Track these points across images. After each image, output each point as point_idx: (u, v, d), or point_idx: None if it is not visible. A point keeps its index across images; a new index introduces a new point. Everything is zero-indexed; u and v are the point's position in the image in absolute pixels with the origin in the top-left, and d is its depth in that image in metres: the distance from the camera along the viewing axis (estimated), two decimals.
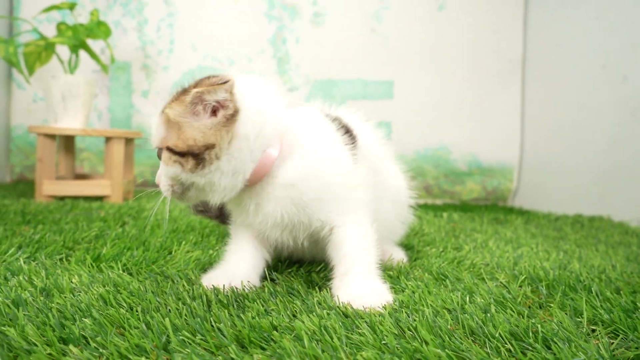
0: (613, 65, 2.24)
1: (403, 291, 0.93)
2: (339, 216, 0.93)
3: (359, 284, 0.88)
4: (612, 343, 0.73)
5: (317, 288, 0.94)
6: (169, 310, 0.76)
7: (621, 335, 0.76)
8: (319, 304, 0.85)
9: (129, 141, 2.29)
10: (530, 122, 2.80)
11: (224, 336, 0.68)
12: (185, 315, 0.74)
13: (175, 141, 0.82)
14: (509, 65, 2.80)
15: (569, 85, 2.50)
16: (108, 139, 2.12)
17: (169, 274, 0.97)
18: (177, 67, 2.73)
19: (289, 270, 1.06)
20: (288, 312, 0.80)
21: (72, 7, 2.17)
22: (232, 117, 0.82)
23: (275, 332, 0.71)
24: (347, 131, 1.00)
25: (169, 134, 0.83)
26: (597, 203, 2.25)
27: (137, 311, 0.74)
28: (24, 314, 0.69)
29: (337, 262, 0.91)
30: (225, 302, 0.82)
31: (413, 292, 0.92)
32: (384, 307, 0.83)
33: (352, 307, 0.82)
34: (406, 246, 1.35)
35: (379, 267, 0.93)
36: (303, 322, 0.74)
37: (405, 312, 0.81)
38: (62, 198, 2.06)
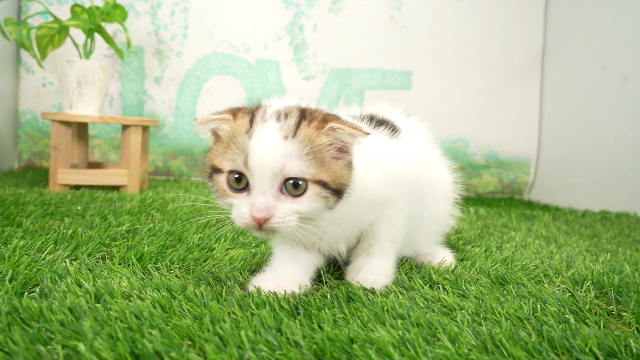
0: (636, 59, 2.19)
1: (466, 297, 0.89)
2: (381, 211, 0.96)
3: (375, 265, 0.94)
4: None
5: (376, 293, 0.89)
6: (237, 320, 0.72)
7: None
8: (387, 311, 0.80)
9: (144, 129, 2.23)
10: (549, 115, 2.76)
11: (304, 351, 0.64)
12: (256, 326, 0.69)
13: (325, 176, 0.79)
14: (528, 58, 2.75)
15: (590, 81, 2.45)
16: (125, 127, 2.05)
17: (219, 277, 0.92)
18: (191, 53, 2.65)
19: (340, 272, 1.02)
20: (358, 321, 0.76)
21: None
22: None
23: (354, 345, 0.66)
24: (394, 130, 0.98)
25: (312, 166, 0.77)
26: (619, 198, 2.22)
27: (204, 321, 0.69)
28: (89, 326, 0.64)
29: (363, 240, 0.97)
30: (290, 309, 0.77)
31: (478, 299, 0.87)
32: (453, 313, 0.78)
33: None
34: (446, 245, 1.31)
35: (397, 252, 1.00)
36: (380, 334, 0.69)
37: (481, 322, 0.77)
38: (77, 187, 2.00)
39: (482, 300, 0.87)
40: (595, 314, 0.84)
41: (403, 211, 1.00)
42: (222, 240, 1.19)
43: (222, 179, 0.80)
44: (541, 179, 2.79)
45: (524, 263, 1.15)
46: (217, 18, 2.65)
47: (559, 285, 0.99)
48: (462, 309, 0.82)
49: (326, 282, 0.95)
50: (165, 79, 2.66)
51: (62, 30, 2.09)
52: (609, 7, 2.35)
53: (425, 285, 0.94)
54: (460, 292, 0.92)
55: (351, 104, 2.82)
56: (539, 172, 2.81)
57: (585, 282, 0.98)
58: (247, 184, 0.78)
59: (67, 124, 1.99)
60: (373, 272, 0.95)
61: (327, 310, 0.78)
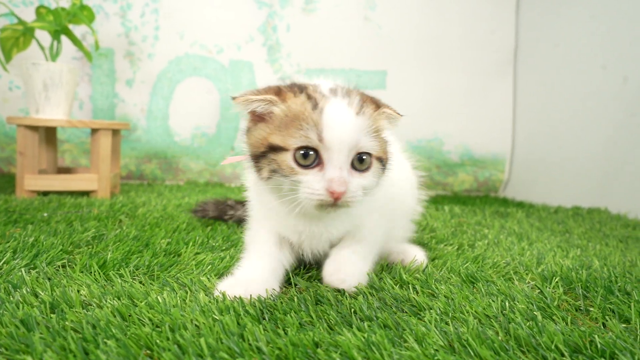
0: (611, 61, 2.23)
1: (436, 296, 0.88)
2: (365, 217, 0.96)
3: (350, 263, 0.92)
4: None
5: (345, 294, 0.88)
6: (198, 327, 0.70)
7: None
8: (355, 313, 0.79)
9: (115, 132, 2.18)
10: (522, 113, 2.79)
11: (266, 357, 0.62)
12: (218, 332, 0.67)
13: (382, 154, 0.84)
14: (502, 57, 2.77)
15: (561, 79, 2.48)
16: (94, 131, 2.01)
17: (184, 282, 0.90)
18: (163, 54, 2.61)
19: (309, 274, 1.00)
20: (324, 325, 0.74)
21: None
22: None
23: (319, 349, 0.65)
24: None
25: (375, 142, 0.82)
26: (592, 194, 2.25)
27: (163, 329, 0.67)
28: (39, 337, 0.61)
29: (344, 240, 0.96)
30: (255, 314, 0.76)
31: (448, 298, 0.87)
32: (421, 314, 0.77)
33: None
34: (419, 243, 1.30)
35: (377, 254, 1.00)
36: (345, 337, 0.68)
37: (448, 322, 0.76)
38: (45, 193, 1.95)
39: (452, 299, 0.86)
40: (564, 310, 0.84)
41: (385, 214, 1.00)
42: (191, 244, 1.16)
43: (287, 157, 0.79)
44: (515, 176, 2.82)
45: (495, 261, 1.15)
46: (189, 19, 2.62)
47: (528, 282, 0.99)
48: (430, 309, 0.82)
49: (295, 285, 0.93)
50: (137, 81, 2.61)
51: (27, 33, 2.04)
52: (580, 5, 2.38)
53: (396, 286, 0.93)
54: (430, 291, 0.91)
55: None
56: (513, 169, 2.83)
57: (554, 278, 0.98)
58: (315, 160, 0.79)
59: (34, 128, 1.94)
60: (352, 273, 0.93)
61: (293, 314, 0.76)
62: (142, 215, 1.51)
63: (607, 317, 0.82)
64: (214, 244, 1.20)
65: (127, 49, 2.59)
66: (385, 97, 2.85)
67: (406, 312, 0.82)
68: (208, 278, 0.93)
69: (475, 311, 0.80)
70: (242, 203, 1.51)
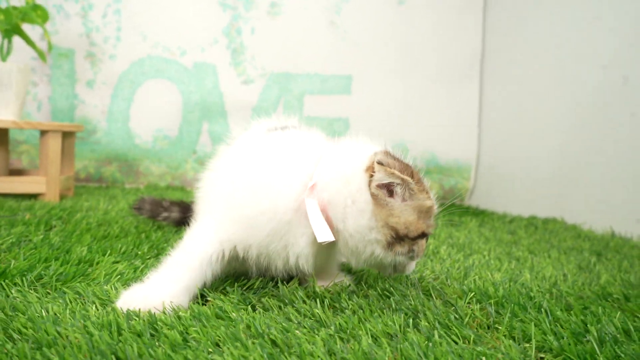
0: (578, 65, 2.23)
1: (344, 311, 0.86)
2: None
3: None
4: None
5: (249, 307, 0.85)
6: (71, 343, 0.66)
7: None
8: (248, 328, 0.76)
9: (68, 134, 2.14)
10: (488, 120, 2.78)
11: None
12: (87, 349, 0.64)
13: None
14: (467, 63, 2.77)
15: (527, 86, 2.48)
16: (43, 133, 1.97)
17: (81, 293, 0.87)
18: (125, 56, 2.57)
19: (226, 284, 0.97)
20: (210, 341, 0.71)
21: None
22: None
23: None
24: None
25: None
26: (552, 204, 2.24)
27: (21, 346, 0.63)
28: None
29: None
30: (140, 330, 0.72)
31: (354, 313, 0.84)
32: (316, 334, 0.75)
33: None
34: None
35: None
36: (216, 357, 0.65)
37: (341, 339, 0.74)
38: None
39: (358, 315, 0.84)
40: (472, 328, 0.82)
41: None
42: (109, 253, 1.13)
43: (424, 242, 0.92)
44: (480, 184, 2.81)
45: (423, 275, 1.13)
46: (152, 20, 2.58)
47: (445, 297, 0.97)
48: (329, 326, 0.79)
49: (203, 296, 0.90)
50: (98, 82, 2.57)
51: None
52: (547, 10, 2.38)
53: (309, 299, 0.91)
54: (337, 305, 0.88)
55: (291, 109, 2.78)
56: (478, 177, 2.82)
57: (470, 293, 0.96)
58: None
59: None
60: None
61: (177, 330, 0.73)
62: (78, 221, 1.47)
63: (513, 336, 0.80)
64: (137, 252, 1.16)
65: (88, 50, 2.55)
66: (350, 103, 2.82)
67: (305, 327, 0.79)
68: (113, 288, 0.90)
69: (374, 328, 0.78)
70: (178, 205, 1.48)
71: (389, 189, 0.88)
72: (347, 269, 1.13)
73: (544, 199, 2.30)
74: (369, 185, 0.88)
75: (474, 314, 0.88)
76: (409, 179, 0.87)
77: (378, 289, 0.98)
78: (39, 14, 2.05)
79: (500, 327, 0.83)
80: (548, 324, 0.82)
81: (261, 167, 0.94)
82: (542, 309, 0.89)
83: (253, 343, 0.70)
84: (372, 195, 0.87)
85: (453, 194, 2.82)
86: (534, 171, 2.39)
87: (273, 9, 2.65)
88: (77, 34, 2.53)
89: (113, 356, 0.64)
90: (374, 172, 0.88)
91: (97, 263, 1.07)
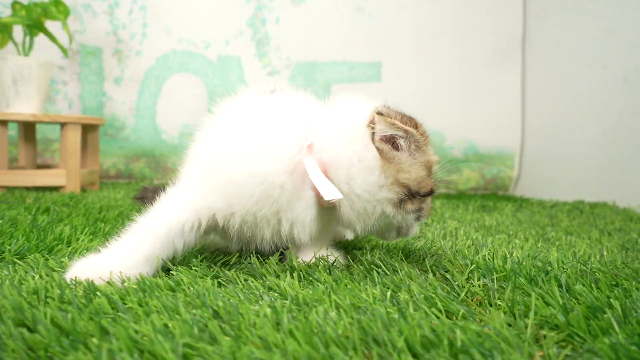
0: (616, 52, 2.00)
1: (313, 284, 0.74)
2: None
3: None
4: (560, 354, 0.53)
5: (210, 280, 0.75)
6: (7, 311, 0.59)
7: (575, 344, 0.56)
8: (198, 299, 0.66)
9: (92, 128, 2.14)
10: (532, 105, 2.57)
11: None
12: (17, 320, 0.56)
13: None
14: (507, 44, 2.57)
15: (572, 67, 2.26)
16: (63, 125, 1.97)
17: (34, 265, 0.80)
18: (150, 51, 2.57)
19: (202, 258, 0.87)
20: (145, 312, 0.62)
21: None
22: None
23: (94, 339, 0.53)
24: None
25: None
26: (602, 190, 2.01)
27: None
28: None
29: None
30: (84, 303, 0.64)
31: (325, 286, 0.73)
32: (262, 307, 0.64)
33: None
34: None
35: None
36: (142, 326, 0.55)
37: (296, 312, 0.62)
38: (14, 189, 1.92)
39: (327, 287, 0.72)
40: (474, 305, 0.68)
41: None
42: (99, 233, 1.07)
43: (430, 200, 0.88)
44: (526, 172, 2.59)
45: (428, 250, 0.99)
46: (176, 15, 2.57)
47: (443, 271, 0.83)
48: (293, 299, 0.68)
49: (168, 270, 0.81)
50: (125, 79, 2.58)
51: (4, 29, 2.03)
52: None
53: (282, 273, 0.80)
54: (312, 279, 0.77)
55: (318, 99, 2.61)
56: (524, 165, 2.61)
57: (473, 267, 0.82)
58: None
59: (2, 123, 1.92)
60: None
61: (109, 300, 0.64)
62: (78, 206, 1.44)
63: (514, 312, 0.66)
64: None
65: (115, 47, 2.57)
66: (381, 90, 2.70)
67: (264, 300, 0.68)
68: (71, 259, 0.83)
69: (340, 301, 0.66)
70: None
71: (393, 142, 0.81)
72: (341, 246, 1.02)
73: (593, 186, 2.07)
74: (373, 140, 0.80)
75: (474, 289, 0.74)
76: (412, 130, 0.81)
77: (365, 262, 0.85)
78: (60, 10, 2.07)
79: (501, 303, 0.68)
80: (560, 299, 0.67)
81: (249, 129, 0.84)
82: (558, 283, 0.74)
83: (190, 313, 0.60)
84: (378, 149, 0.80)
85: (495, 183, 2.62)
86: (582, 156, 2.16)
87: None
88: (104, 32, 2.56)
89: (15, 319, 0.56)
90: (375, 125, 0.80)
91: (77, 241, 1.01)
